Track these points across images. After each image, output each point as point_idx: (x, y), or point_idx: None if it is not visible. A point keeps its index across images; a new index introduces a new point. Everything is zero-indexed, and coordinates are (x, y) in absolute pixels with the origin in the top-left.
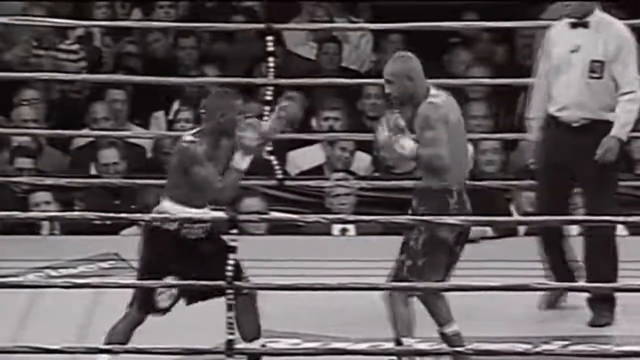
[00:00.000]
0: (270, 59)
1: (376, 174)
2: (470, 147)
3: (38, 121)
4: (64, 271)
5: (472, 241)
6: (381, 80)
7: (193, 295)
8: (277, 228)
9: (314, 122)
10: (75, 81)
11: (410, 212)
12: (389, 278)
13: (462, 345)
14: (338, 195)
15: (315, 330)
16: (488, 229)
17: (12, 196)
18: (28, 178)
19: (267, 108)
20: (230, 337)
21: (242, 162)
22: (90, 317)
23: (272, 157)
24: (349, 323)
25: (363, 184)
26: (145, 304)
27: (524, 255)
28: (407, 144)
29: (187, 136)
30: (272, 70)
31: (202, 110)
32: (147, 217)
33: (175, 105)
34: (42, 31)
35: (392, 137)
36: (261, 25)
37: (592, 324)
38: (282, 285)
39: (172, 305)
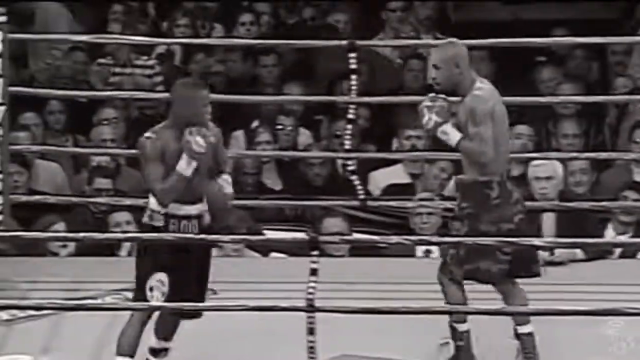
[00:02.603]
0: (353, 76)
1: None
2: (559, 167)
3: (117, 140)
4: None
5: (561, 264)
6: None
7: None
8: (359, 249)
9: (395, 142)
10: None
11: (456, 207)
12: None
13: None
14: (421, 214)
15: (398, 354)
16: (578, 251)
17: (90, 217)
18: (106, 198)
19: (350, 126)
20: None
21: (187, 167)
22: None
23: (354, 177)
24: (434, 347)
25: (448, 204)
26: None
27: (616, 278)
28: (450, 132)
29: (150, 131)
30: (354, 87)
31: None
32: (225, 237)
33: (254, 124)
34: (118, 48)
35: (436, 122)
36: (344, 42)
37: None
38: (364, 308)
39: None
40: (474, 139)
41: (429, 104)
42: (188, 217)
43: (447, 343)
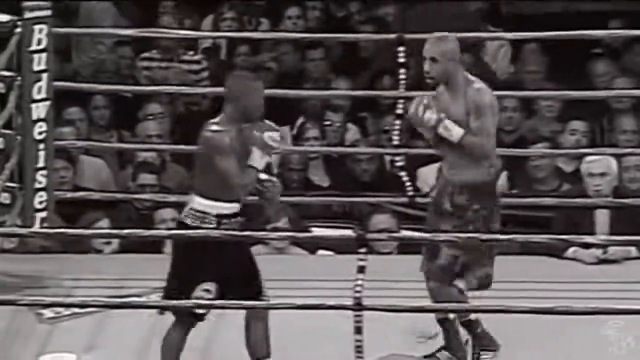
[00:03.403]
0: (402, 70)
1: (513, 191)
2: (614, 163)
3: (162, 136)
4: None
5: (615, 261)
6: (520, 93)
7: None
8: (407, 247)
9: None
10: (197, 94)
11: (450, 205)
12: (435, 270)
13: None
14: None
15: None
16: (632, 248)
17: (135, 213)
18: (151, 195)
19: (398, 122)
20: None
21: (260, 161)
22: (212, 338)
23: (402, 174)
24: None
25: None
26: (183, 313)
27: None
28: (452, 127)
29: (211, 125)
30: (403, 82)
31: (226, 93)
32: (272, 234)
33: (300, 120)
34: (166, 43)
35: (437, 118)
36: (392, 36)
37: None
38: (413, 306)
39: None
40: (477, 132)
41: (425, 101)
42: (235, 215)
43: (436, 335)
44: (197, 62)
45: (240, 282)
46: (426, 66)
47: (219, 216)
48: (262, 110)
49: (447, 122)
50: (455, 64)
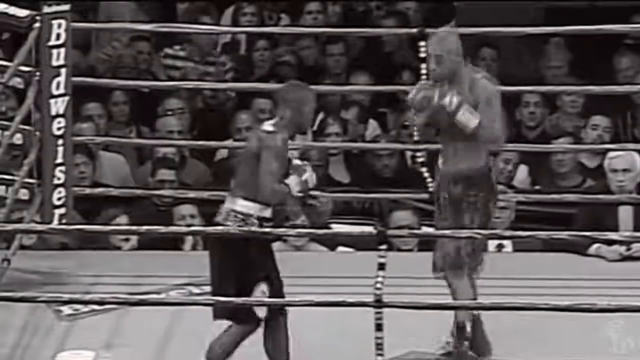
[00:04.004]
0: (423, 65)
1: (535, 187)
2: (638, 159)
3: (182, 132)
4: (206, 288)
5: (638, 259)
6: (543, 88)
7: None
8: (428, 243)
9: None
10: (219, 92)
11: (448, 196)
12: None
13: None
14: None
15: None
16: None
17: (154, 209)
18: (171, 191)
19: None
20: (379, 358)
21: (294, 187)
22: None
23: (423, 169)
24: (505, 345)
25: (521, 197)
26: (247, 317)
27: None
28: (472, 113)
29: (267, 126)
30: (424, 77)
31: (280, 100)
32: (292, 231)
33: (320, 116)
34: (196, 42)
35: (457, 103)
36: (413, 30)
37: None
38: (433, 304)
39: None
40: (492, 119)
41: (438, 90)
42: (271, 218)
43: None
44: (222, 64)
45: (279, 282)
46: (432, 64)
47: (261, 218)
48: (310, 121)
49: (467, 107)
50: (460, 60)
